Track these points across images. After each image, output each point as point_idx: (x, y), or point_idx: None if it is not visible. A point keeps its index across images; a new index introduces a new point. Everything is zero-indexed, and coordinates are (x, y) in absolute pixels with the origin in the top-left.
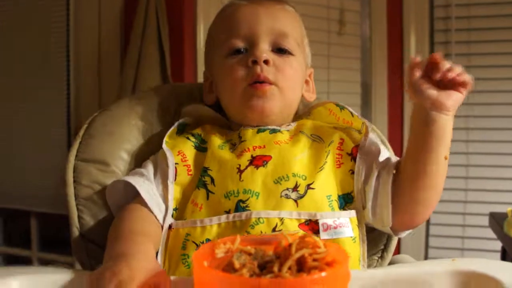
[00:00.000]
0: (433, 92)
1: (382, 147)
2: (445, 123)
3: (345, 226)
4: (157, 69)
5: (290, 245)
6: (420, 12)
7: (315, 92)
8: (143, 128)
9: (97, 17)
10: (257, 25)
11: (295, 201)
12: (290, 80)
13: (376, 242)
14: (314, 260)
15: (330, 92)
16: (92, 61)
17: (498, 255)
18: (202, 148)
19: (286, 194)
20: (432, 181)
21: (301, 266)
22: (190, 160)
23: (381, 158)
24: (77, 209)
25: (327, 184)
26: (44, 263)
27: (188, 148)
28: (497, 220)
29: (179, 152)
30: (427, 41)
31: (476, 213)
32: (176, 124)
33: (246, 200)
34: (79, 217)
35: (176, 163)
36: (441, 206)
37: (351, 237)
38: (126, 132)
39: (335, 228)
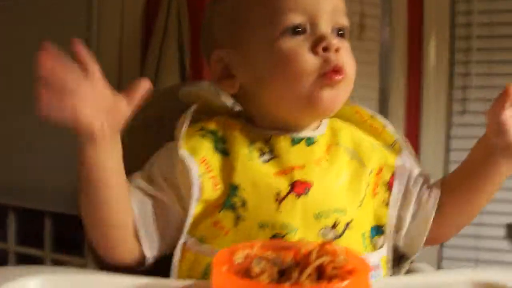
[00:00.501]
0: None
1: (415, 164)
2: (506, 170)
3: (376, 268)
4: (176, 69)
5: (310, 252)
6: (441, 18)
7: None
8: (161, 130)
9: (119, 22)
10: (321, 0)
11: (332, 240)
12: (353, 71)
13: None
14: (334, 268)
15: None
16: (113, 65)
17: None
18: (223, 150)
19: (324, 233)
20: (472, 211)
21: (320, 274)
22: (215, 170)
23: (418, 178)
24: None
25: (364, 219)
26: (57, 264)
27: (210, 152)
28: None
29: (203, 160)
30: (447, 48)
31: (491, 223)
32: (188, 115)
33: (283, 236)
34: None
35: (200, 175)
36: None
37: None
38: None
39: None
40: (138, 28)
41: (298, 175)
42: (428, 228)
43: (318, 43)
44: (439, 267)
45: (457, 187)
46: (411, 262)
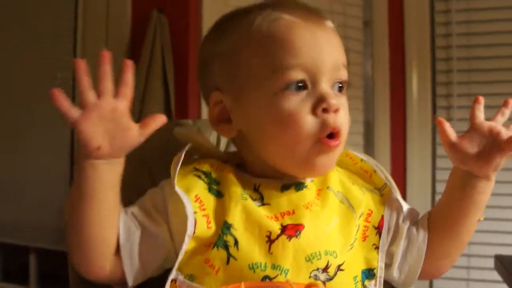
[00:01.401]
0: (473, 154)
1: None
2: (485, 189)
3: None
4: (161, 104)
5: None
6: (422, 52)
7: None
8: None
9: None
10: (322, 57)
11: (324, 283)
12: (347, 130)
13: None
14: None
15: None
16: None
17: None
18: (217, 192)
19: (316, 275)
20: (462, 239)
21: None
22: (208, 209)
23: (407, 215)
24: None
25: (355, 262)
26: None
27: (204, 192)
28: (503, 263)
29: (197, 198)
30: (429, 80)
31: (481, 254)
32: (183, 153)
33: (273, 278)
34: None
35: (194, 212)
36: None
37: None
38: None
39: None
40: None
41: (288, 220)
42: (421, 261)
43: (318, 105)
44: None
45: (441, 217)
46: None
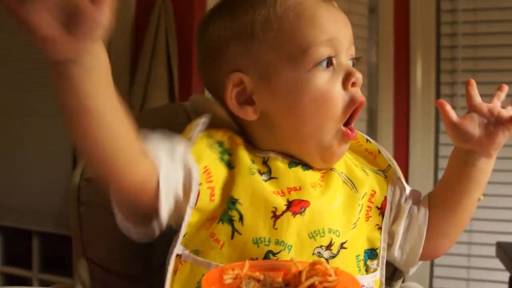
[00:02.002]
0: (475, 133)
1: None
2: (486, 167)
3: None
4: (165, 89)
5: (300, 272)
6: (427, 40)
7: None
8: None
9: (108, 41)
10: (342, 33)
11: (327, 260)
12: None
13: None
14: None
15: None
16: None
17: (505, 286)
18: (228, 163)
19: (319, 253)
20: (462, 218)
21: None
22: (215, 181)
23: (409, 196)
24: (81, 230)
25: (358, 241)
26: (44, 284)
27: (214, 162)
28: (505, 250)
29: (205, 169)
30: (433, 68)
31: (481, 243)
32: (200, 123)
33: (277, 253)
34: (82, 238)
35: (200, 183)
36: None
37: None
38: None
39: None
40: (127, 47)
41: (295, 196)
42: (423, 240)
43: (348, 79)
44: (430, 286)
45: (442, 195)
46: (403, 281)
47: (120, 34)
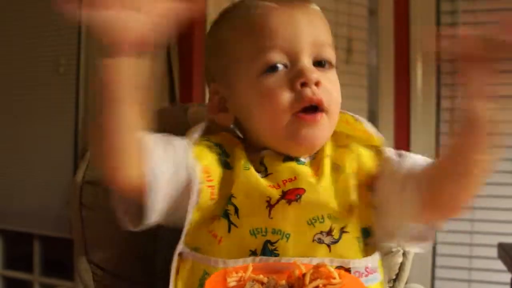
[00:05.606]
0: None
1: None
2: (489, 115)
3: (375, 271)
4: (165, 90)
5: (303, 275)
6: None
7: None
8: None
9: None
10: (299, 35)
11: (328, 246)
12: (338, 103)
13: (388, 271)
14: None
15: None
16: None
17: (507, 287)
18: (226, 164)
19: (319, 239)
20: (467, 170)
21: None
22: (215, 181)
23: (404, 164)
24: (83, 232)
25: (355, 224)
26: (46, 287)
27: (213, 163)
28: (506, 251)
29: (205, 169)
30: (433, 70)
31: (483, 244)
32: (199, 128)
33: (275, 242)
34: (85, 241)
35: (200, 183)
36: (447, 237)
37: (380, 281)
38: None
39: (366, 275)
40: None
41: (290, 186)
42: (413, 215)
43: (295, 80)
44: (432, 287)
45: (446, 153)
46: (406, 283)
47: None
